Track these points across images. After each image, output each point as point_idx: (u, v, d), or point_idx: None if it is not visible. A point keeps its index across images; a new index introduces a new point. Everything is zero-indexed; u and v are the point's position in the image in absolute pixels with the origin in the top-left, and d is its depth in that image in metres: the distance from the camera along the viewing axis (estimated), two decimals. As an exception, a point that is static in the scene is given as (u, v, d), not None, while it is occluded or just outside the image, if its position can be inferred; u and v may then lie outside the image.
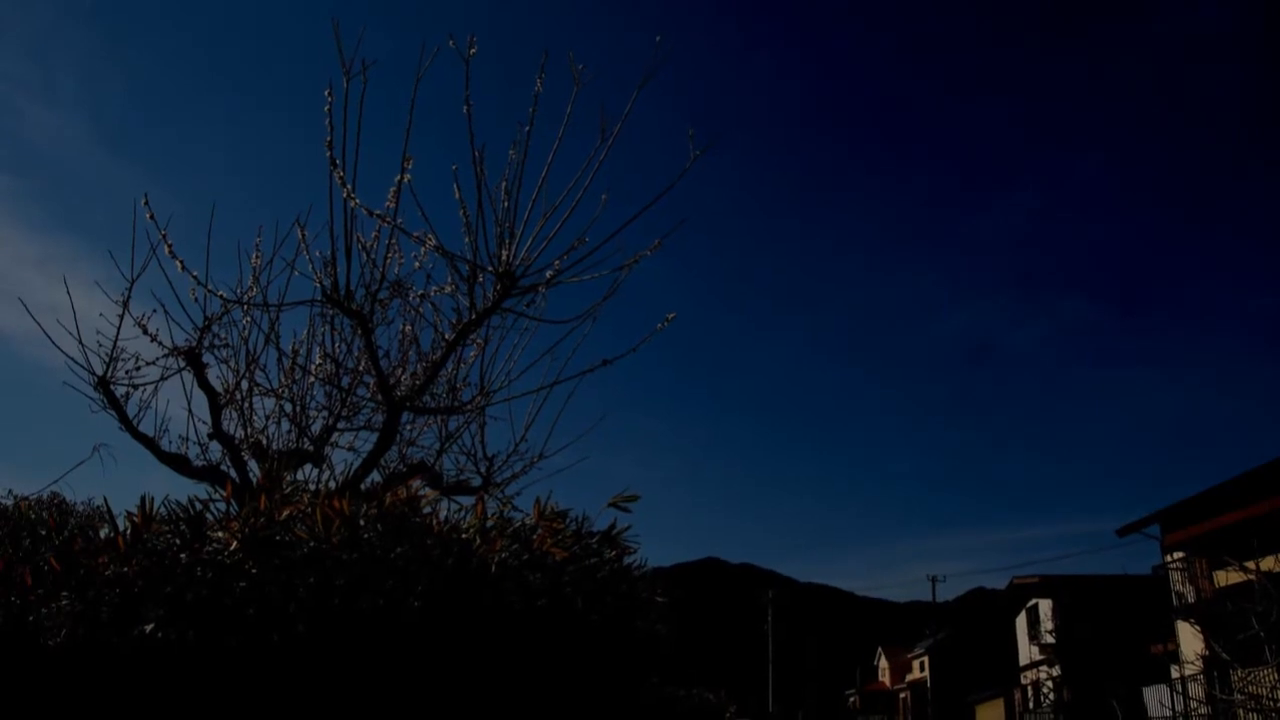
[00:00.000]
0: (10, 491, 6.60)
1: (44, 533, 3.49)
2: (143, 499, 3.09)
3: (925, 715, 53.28)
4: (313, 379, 5.82)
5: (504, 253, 4.75)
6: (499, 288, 4.81)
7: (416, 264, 5.41)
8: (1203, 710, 21.02)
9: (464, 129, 4.55)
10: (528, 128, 4.66)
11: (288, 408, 5.81)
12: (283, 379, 5.82)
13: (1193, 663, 22.20)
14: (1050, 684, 35.78)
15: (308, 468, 5.74)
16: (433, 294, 5.44)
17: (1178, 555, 24.42)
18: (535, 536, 3.32)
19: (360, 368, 5.72)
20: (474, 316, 4.97)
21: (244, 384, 5.72)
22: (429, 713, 2.93)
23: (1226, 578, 21.15)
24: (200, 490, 4.78)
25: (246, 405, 5.78)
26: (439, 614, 2.93)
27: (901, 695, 62.73)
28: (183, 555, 2.93)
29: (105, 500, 3.53)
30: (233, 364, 5.74)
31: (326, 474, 5.77)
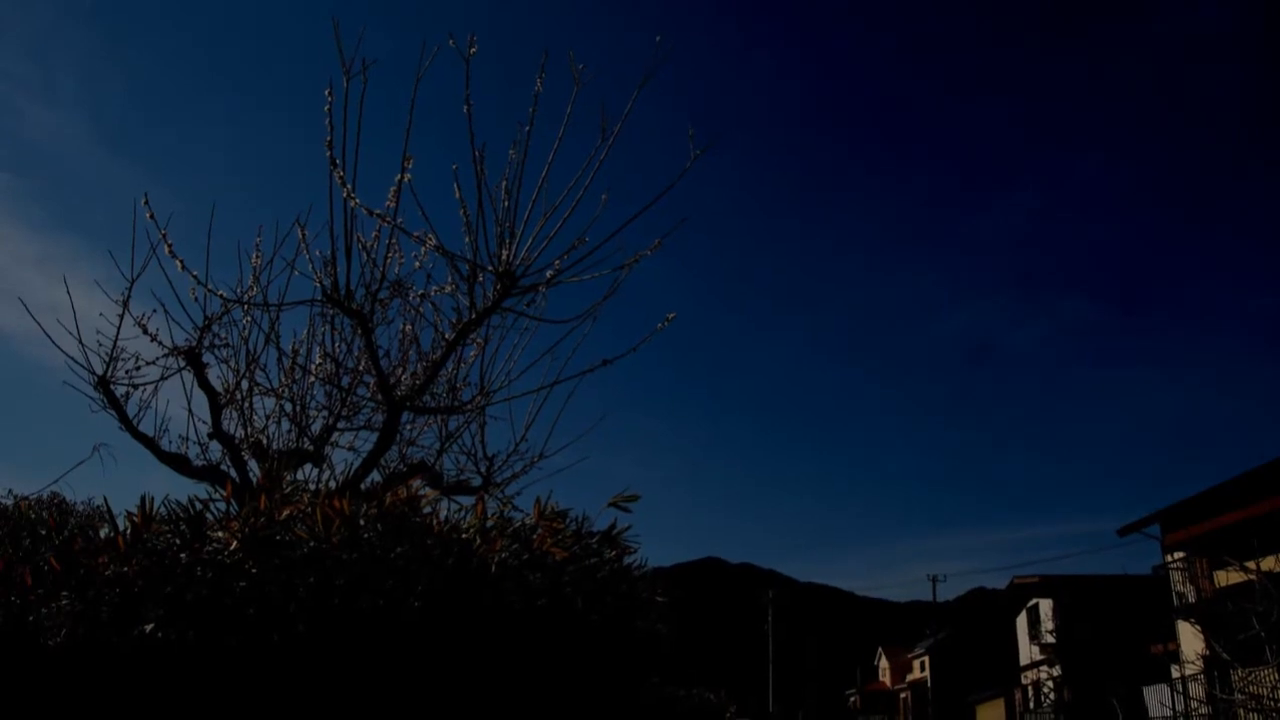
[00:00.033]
0: (10, 491, 6.61)
1: (44, 532, 3.49)
2: (143, 499, 3.09)
3: (926, 715, 53.28)
4: (313, 379, 5.82)
5: (504, 252, 4.75)
6: (499, 287, 4.81)
7: (417, 264, 5.42)
8: (1203, 710, 21.03)
9: (464, 128, 4.56)
10: (528, 127, 4.66)
11: (288, 407, 5.82)
12: (283, 379, 5.82)
13: (1193, 663, 22.20)
14: (1051, 684, 35.78)
15: (308, 467, 5.74)
16: (433, 293, 5.44)
17: (1178, 555, 24.42)
18: (535, 536, 3.32)
19: (360, 367, 5.72)
20: (474, 316, 4.97)
21: (244, 384, 5.72)
22: (429, 713, 2.93)
23: (1227, 578, 21.15)
24: (200, 490, 4.78)
25: (246, 405, 5.78)
26: (439, 614, 2.92)
27: (902, 695, 62.73)
28: (183, 555, 2.93)
29: (105, 500, 3.53)
30: (233, 364, 5.74)
31: (327, 474, 5.77)
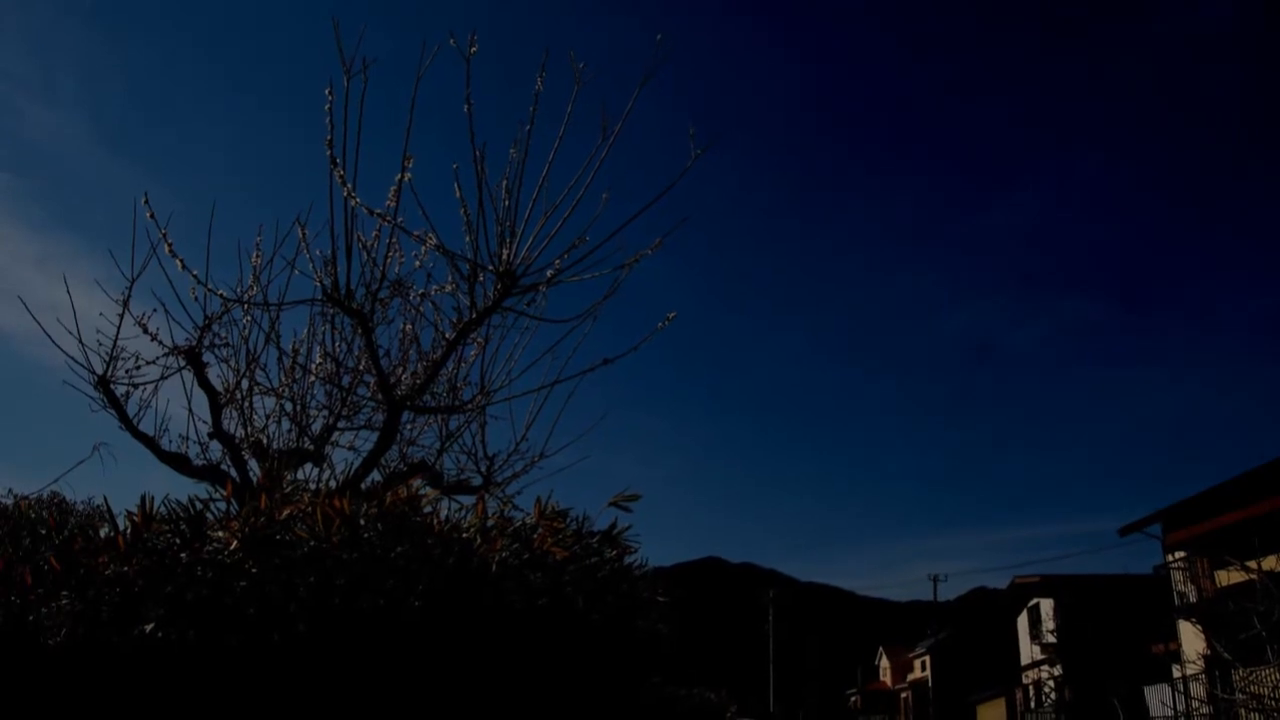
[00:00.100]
0: (10, 491, 6.61)
1: (44, 532, 3.49)
2: (143, 498, 3.08)
3: (926, 715, 53.26)
4: (313, 378, 5.81)
5: (505, 252, 4.74)
6: (500, 287, 4.81)
7: (417, 263, 5.41)
8: (1204, 710, 21.01)
9: (465, 128, 4.55)
10: (528, 126, 4.65)
11: (288, 407, 5.81)
12: (283, 378, 5.81)
13: (1194, 662, 22.18)
14: (1052, 683, 35.76)
15: (308, 467, 5.74)
16: (433, 293, 5.44)
17: (1179, 555, 24.40)
18: (536, 536, 3.31)
19: (361, 367, 5.72)
20: (475, 315, 4.96)
21: (244, 383, 5.72)
22: (429, 712, 2.93)
23: (1228, 577, 21.13)
24: (200, 490, 4.79)
25: (247, 404, 5.77)
26: (440, 613, 2.92)
27: (903, 695, 62.71)
28: (183, 555, 2.92)
29: (105, 499, 3.53)
30: (233, 363, 5.73)
31: (327, 473, 5.77)
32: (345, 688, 2.83)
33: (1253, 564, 13.83)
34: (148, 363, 5.48)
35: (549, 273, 4.82)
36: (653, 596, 3.75)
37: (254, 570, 2.87)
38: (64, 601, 2.86)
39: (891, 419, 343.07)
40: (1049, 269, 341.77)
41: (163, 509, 3.10)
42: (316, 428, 5.85)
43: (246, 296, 5.45)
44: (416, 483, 3.97)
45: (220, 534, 3.00)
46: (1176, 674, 23.98)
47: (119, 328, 5.31)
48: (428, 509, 3.33)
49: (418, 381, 5.49)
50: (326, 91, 4.41)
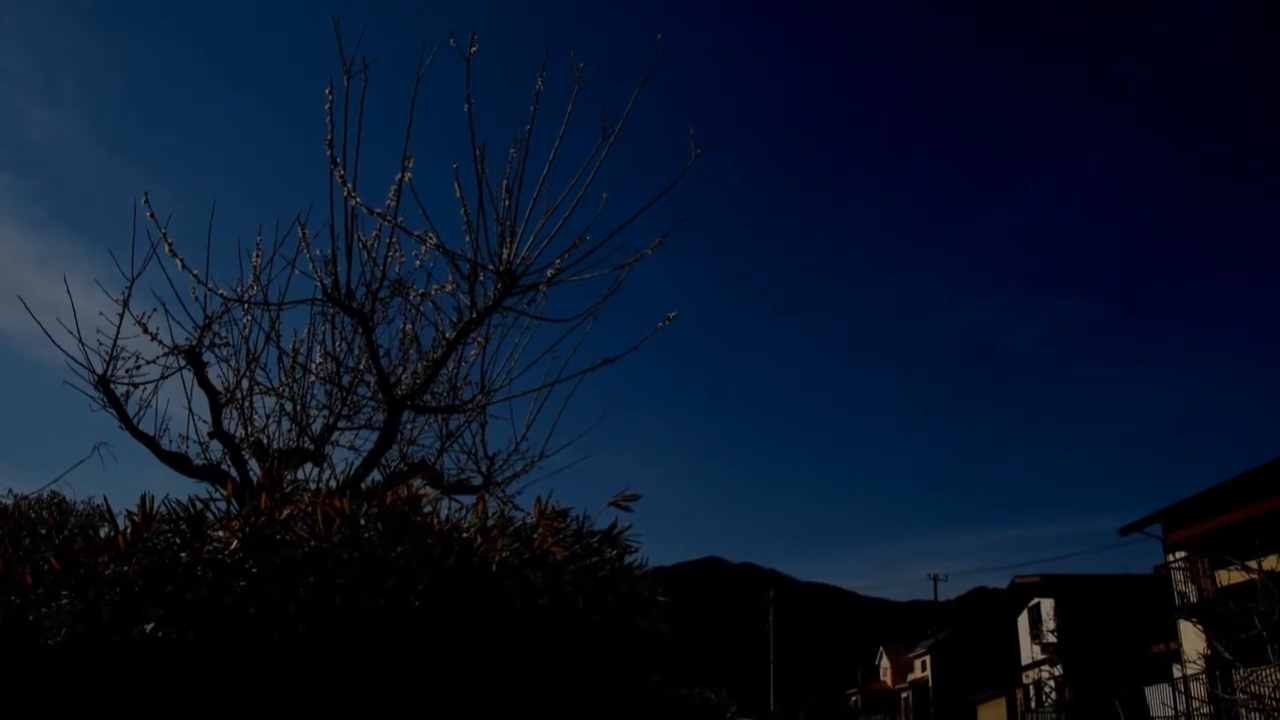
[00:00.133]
0: (10, 490, 6.60)
1: (44, 532, 3.49)
2: (143, 498, 3.08)
3: (927, 715, 53.26)
4: (313, 378, 5.81)
5: (505, 251, 4.74)
6: (500, 286, 4.80)
7: (417, 262, 5.40)
8: (1205, 710, 21.00)
9: (465, 127, 4.55)
10: (529, 126, 4.65)
11: (288, 406, 5.81)
12: (283, 378, 5.81)
13: (1195, 662, 22.17)
14: (1052, 683, 35.75)
15: (308, 467, 5.73)
16: (433, 292, 5.43)
17: (1180, 554, 24.40)
18: (536, 536, 3.31)
19: (361, 366, 5.72)
20: (475, 315, 4.96)
21: (244, 383, 5.72)
22: (430, 712, 2.92)
23: (1228, 577, 21.12)
24: (201, 489, 4.78)
25: (247, 404, 5.77)
26: (440, 613, 2.92)
27: (903, 695, 62.70)
28: (183, 554, 2.92)
29: (105, 499, 3.52)
30: (233, 363, 5.73)
31: (327, 473, 5.77)
32: (345, 688, 2.83)
33: (1253, 564, 13.82)
34: (148, 362, 5.48)
35: (549, 272, 4.82)
36: (653, 596, 3.75)
37: (254, 570, 2.87)
38: (64, 601, 2.86)
39: (891, 419, 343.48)
40: (1049, 269, 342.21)
41: (163, 509, 3.10)
42: (317, 427, 5.85)
43: (247, 296, 5.45)
44: (417, 482, 3.97)
45: (220, 534, 3.00)
46: (1177, 674, 23.98)
47: (119, 327, 5.31)
48: (428, 509, 3.33)
49: (418, 381, 5.49)
50: (327, 91, 4.41)
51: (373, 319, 4.99)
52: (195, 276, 4.99)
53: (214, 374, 5.64)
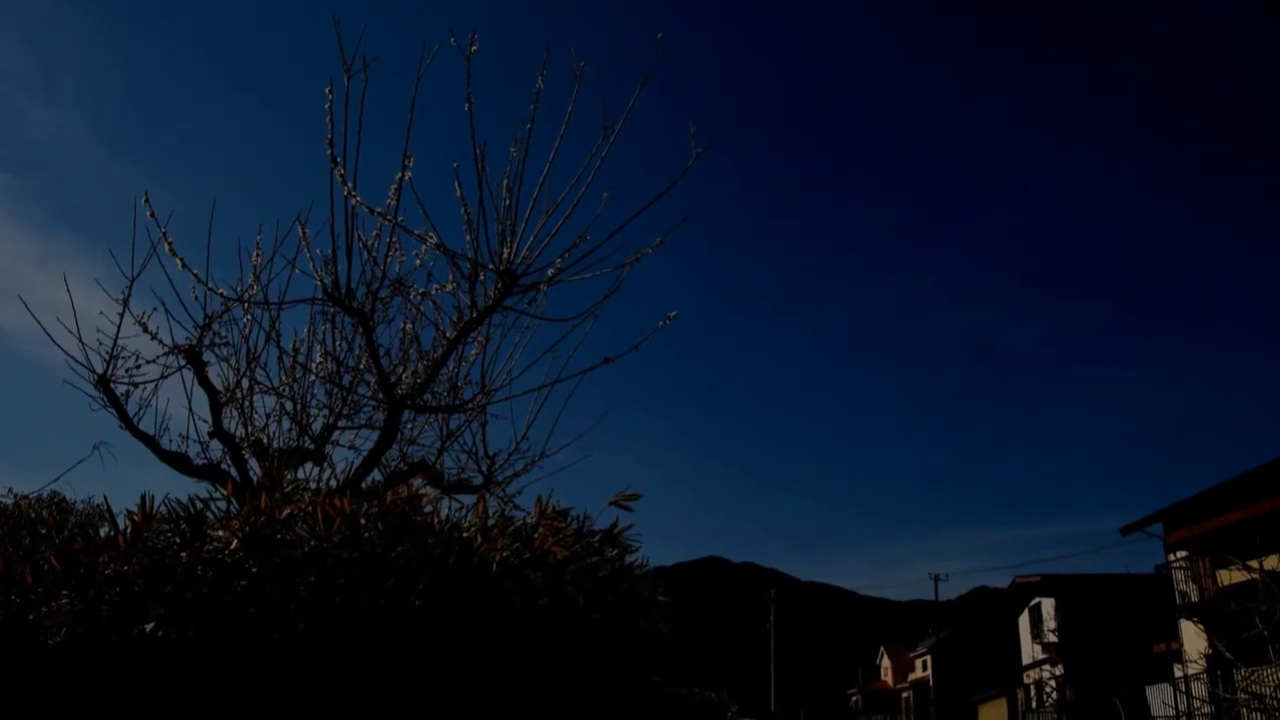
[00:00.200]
0: (10, 490, 6.59)
1: (44, 531, 3.49)
2: (143, 497, 3.08)
3: (928, 714, 53.23)
4: (314, 377, 5.81)
5: (505, 251, 4.74)
6: (500, 286, 4.80)
7: (418, 262, 5.40)
8: (1206, 709, 20.98)
9: (465, 127, 4.54)
10: (529, 125, 4.64)
11: (288, 406, 5.80)
12: (283, 377, 5.81)
13: (1196, 662, 22.16)
14: (1053, 683, 35.74)
15: (308, 466, 5.73)
16: (434, 292, 5.43)
17: (1181, 554, 24.37)
18: (537, 535, 3.31)
19: (361, 366, 5.71)
20: (475, 315, 4.96)
21: (244, 382, 5.71)
22: (430, 712, 2.92)
23: (1230, 576, 21.11)
24: (201, 489, 4.78)
25: (247, 403, 5.77)
26: (440, 613, 2.91)
27: (904, 694, 62.68)
28: (183, 554, 2.92)
29: (105, 499, 3.52)
30: (233, 362, 5.73)
31: (327, 472, 5.76)
32: (346, 687, 2.82)
33: (1254, 563, 13.80)
34: (148, 362, 5.47)
35: (550, 272, 4.81)
36: (653, 596, 3.74)
37: (254, 569, 2.86)
38: (64, 601, 2.86)
39: (891, 419, 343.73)
40: (1049, 269, 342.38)
41: (163, 508, 3.09)
42: (317, 427, 5.85)
43: (247, 295, 5.44)
44: (417, 482, 3.97)
45: (220, 533, 2.99)
46: (1178, 673, 23.96)
47: (119, 327, 5.30)
48: (428, 508, 3.32)
49: (418, 380, 5.49)
50: (327, 90, 4.40)
51: (373, 318, 4.99)
52: (195, 276, 4.99)
53: (214, 373, 5.64)
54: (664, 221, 5.16)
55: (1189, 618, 23.29)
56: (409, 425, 6.12)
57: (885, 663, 70.25)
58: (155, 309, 5.31)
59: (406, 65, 4.55)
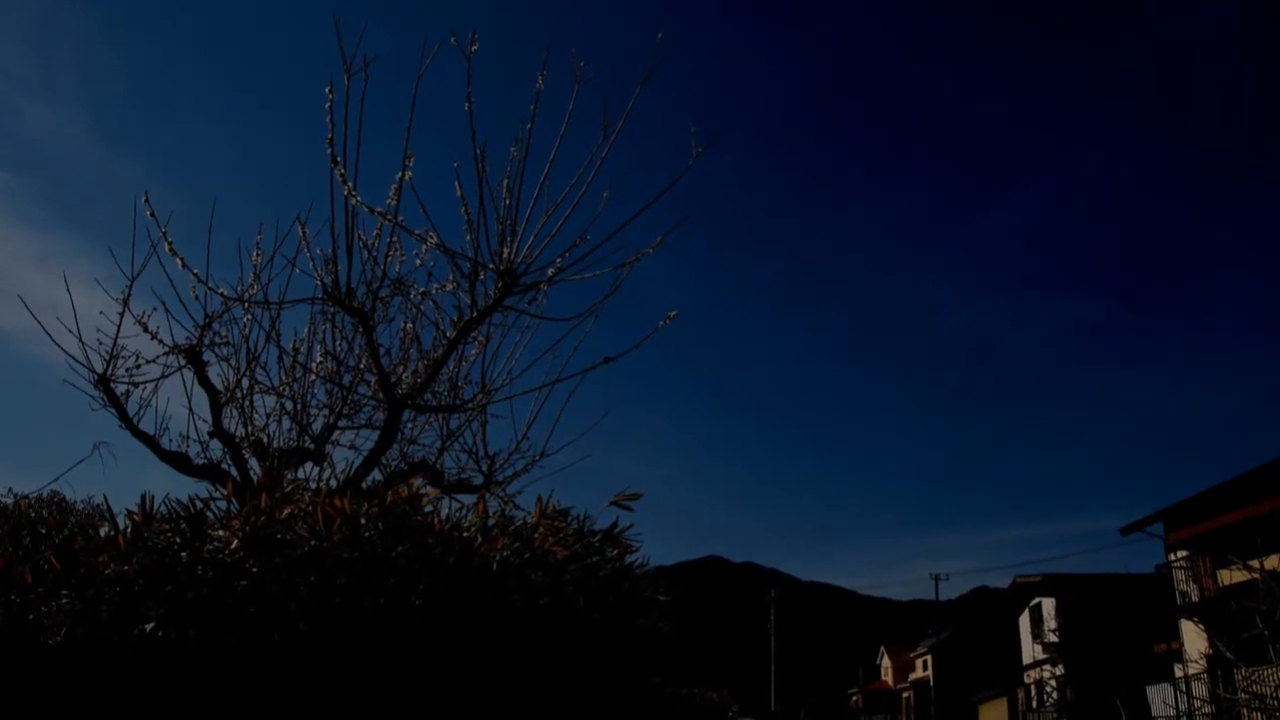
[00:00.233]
0: (10, 490, 6.58)
1: (44, 531, 3.49)
2: (143, 497, 3.08)
3: (928, 714, 53.23)
4: (314, 377, 5.80)
5: (505, 250, 4.73)
6: (500, 285, 4.80)
7: (418, 261, 5.40)
8: (1207, 709, 20.98)
9: (465, 126, 4.54)
10: (529, 125, 4.64)
11: (289, 406, 5.80)
12: (284, 377, 5.80)
13: (1196, 661, 22.16)
14: (1054, 683, 35.73)
15: (309, 466, 5.73)
16: (434, 291, 5.43)
17: (1181, 554, 24.37)
18: (537, 535, 3.30)
19: (361, 365, 5.71)
20: (475, 314, 4.95)
21: (245, 382, 5.71)
22: (430, 712, 2.92)
23: (1230, 576, 21.10)
24: (201, 488, 4.77)
25: (247, 403, 5.76)
26: (440, 612, 2.91)
27: (904, 694, 62.68)
28: (183, 554, 2.92)
29: (105, 498, 3.52)
30: (233, 362, 5.72)
31: (328, 472, 5.76)
32: (346, 687, 2.82)
33: (1255, 563, 13.80)
34: (148, 361, 5.47)
35: (550, 271, 4.81)
36: (654, 596, 3.74)
37: (254, 569, 2.86)
38: (64, 601, 2.86)
39: (891, 419, 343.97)
40: (1049, 269, 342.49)
41: (163, 508, 3.09)
42: (317, 426, 5.85)
43: (247, 295, 5.44)
44: (417, 482, 3.97)
45: (221, 533, 2.99)
46: (1179, 673, 23.95)
47: (119, 326, 5.30)
48: (428, 508, 3.32)
49: (419, 380, 5.48)
50: (327, 90, 4.40)
51: (373, 318, 4.98)
52: (195, 275, 4.99)
53: (214, 373, 5.64)
54: (664, 221, 5.16)
55: (1189, 617, 23.29)
56: (409, 425, 6.13)
57: (886, 662, 70.24)
58: (155, 308, 5.31)
59: (407, 65, 4.55)
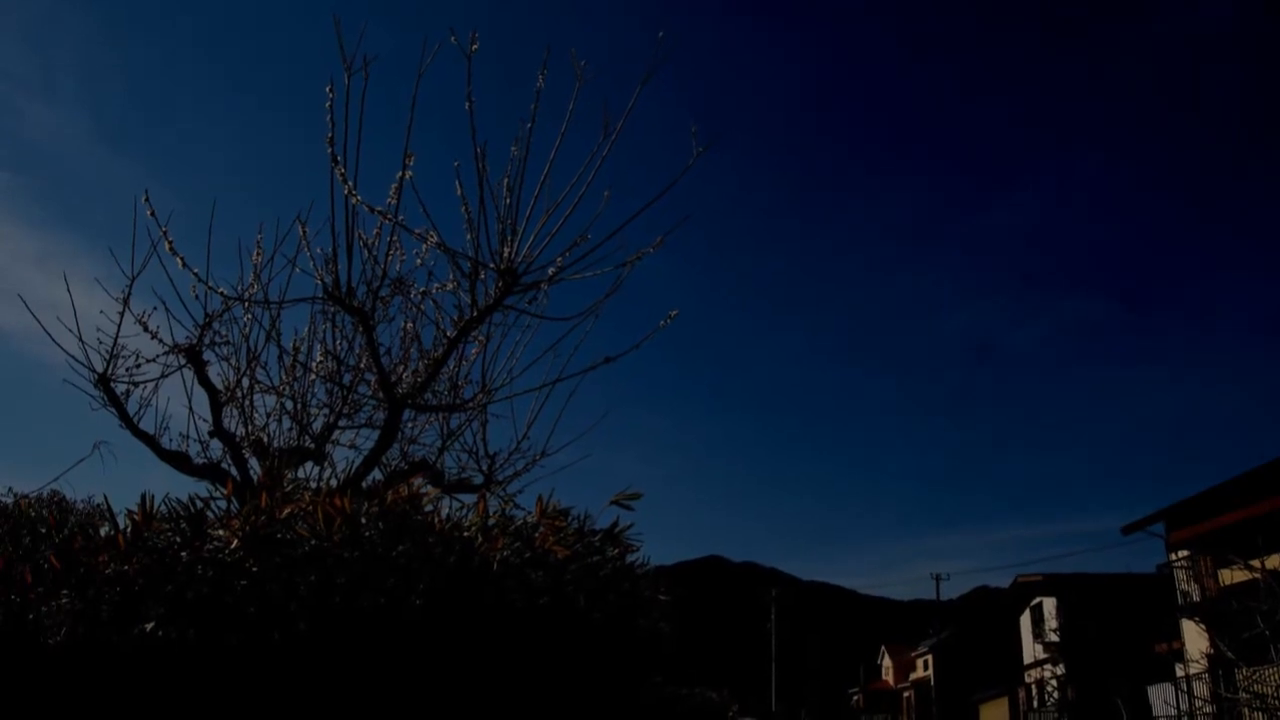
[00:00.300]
0: (10, 489, 6.58)
1: (44, 531, 3.49)
2: (143, 497, 3.07)
3: (929, 714, 53.22)
4: (314, 376, 5.80)
5: (506, 250, 4.73)
6: (501, 285, 4.79)
7: (418, 261, 5.39)
8: (1208, 709, 20.97)
9: (466, 125, 4.53)
10: (530, 124, 4.63)
11: (289, 405, 5.80)
12: (284, 376, 5.80)
13: (1197, 661, 22.17)
14: (1055, 682, 35.72)
15: (309, 465, 5.72)
16: (434, 291, 5.42)
17: (1182, 553, 24.36)
18: (537, 534, 3.30)
19: (362, 365, 5.71)
20: (476, 314, 4.95)
21: (245, 381, 5.71)
22: (430, 711, 2.91)
23: (1231, 576, 21.09)
24: (201, 488, 4.77)
25: (247, 403, 5.76)
26: (441, 612, 2.91)
27: (905, 694, 62.67)
28: (183, 553, 2.91)
29: (105, 498, 3.52)
30: (233, 361, 5.72)
31: (328, 472, 5.75)
32: (346, 687, 2.82)
33: (1256, 563, 13.79)
34: (148, 361, 5.47)
35: (550, 271, 4.80)
36: (654, 595, 3.74)
37: (255, 569, 2.86)
38: (64, 600, 2.85)
39: (891, 419, 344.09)
40: (1049, 269, 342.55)
41: (163, 507, 3.09)
42: (317, 426, 5.84)
43: (247, 294, 5.43)
44: (417, 481, 3.96)
45: (221, 532, 2.99)
46: (1180, 673, 23.94)
47: (119, 326, 5.30)
48: (429, 507, 3.31)
49: (419, 380, 5.48)
50: (327, 89, 4.39)
51: (373, 317, 4.98)
52: (195, 275, 4.99)
53: (214, 372, 5.64)
54: (664, 221, 5.16)
55: (1190, 617, 23.28)
56: (409, 424, 6.12)
57: (886, 662, 70.24)
58: (155, 308, 5.31)
59: (407, 64, 4.55)
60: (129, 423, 5.44)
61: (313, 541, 2.93)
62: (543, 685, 3.08)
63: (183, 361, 5.50)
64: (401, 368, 5.67)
